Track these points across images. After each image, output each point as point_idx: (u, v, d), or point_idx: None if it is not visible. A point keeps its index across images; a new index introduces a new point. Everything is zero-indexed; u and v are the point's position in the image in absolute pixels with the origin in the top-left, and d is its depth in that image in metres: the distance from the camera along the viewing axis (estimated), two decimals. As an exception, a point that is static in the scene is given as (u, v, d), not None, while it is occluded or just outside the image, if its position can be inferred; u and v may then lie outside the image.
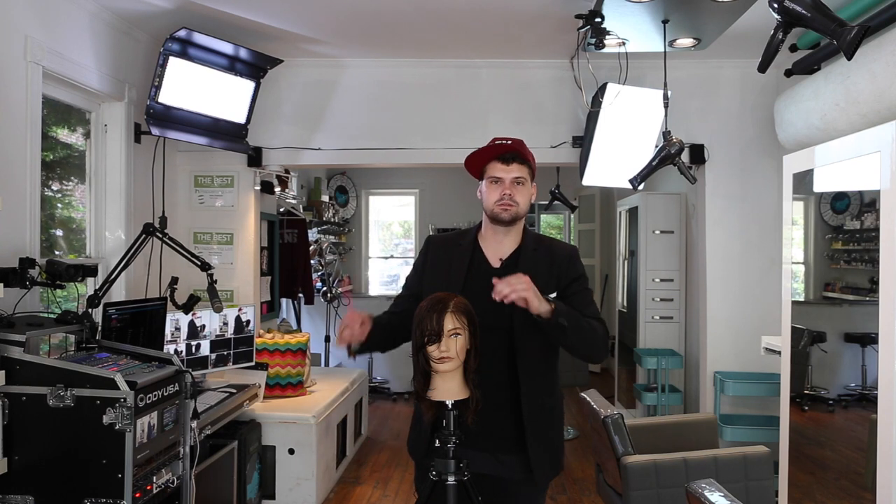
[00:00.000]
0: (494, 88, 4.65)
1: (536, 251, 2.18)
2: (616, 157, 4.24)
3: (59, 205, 3.70)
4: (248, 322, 4.16)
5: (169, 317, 3.57)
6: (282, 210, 5.60)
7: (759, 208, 4.56)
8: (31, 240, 3.02)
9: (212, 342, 3.97)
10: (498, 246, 2.18)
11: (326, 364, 6.81)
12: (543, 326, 1.93)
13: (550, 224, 11.85)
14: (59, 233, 3.68)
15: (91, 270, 2.97)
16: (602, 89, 4.14)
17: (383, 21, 3.88)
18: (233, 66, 4.09)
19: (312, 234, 6.94)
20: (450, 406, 1.91)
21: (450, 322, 1.87)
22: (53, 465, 2.38)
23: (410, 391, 6.98)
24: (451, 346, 1.86)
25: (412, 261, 10.20)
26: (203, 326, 3.93)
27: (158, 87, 3.75)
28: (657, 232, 5.42)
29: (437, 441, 1.93)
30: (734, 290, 4.59)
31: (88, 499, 2.36)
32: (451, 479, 1.91)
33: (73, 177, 3.78)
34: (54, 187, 3.65)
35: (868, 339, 2.82)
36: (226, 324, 4.04)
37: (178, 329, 3.80)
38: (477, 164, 2.21)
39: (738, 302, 4.58)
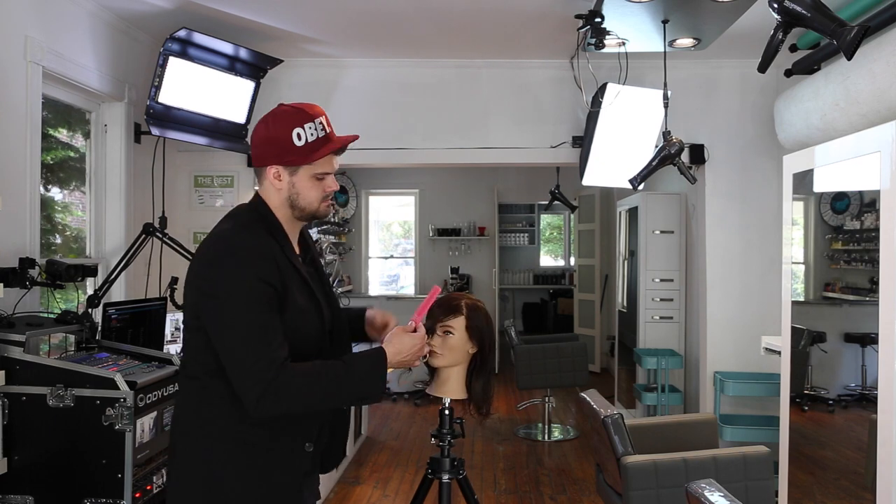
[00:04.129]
0: (494, 88, 4.65)
1: None
2: (616, 157, 4.24)
3: (58, 207, 3.70)
4: (248, 322, 4.15)
5: (169, 317, 3.57)
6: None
7: (759, 208, 4.56)
8: (31, 240, 3.02)
9: (212, 342, 3.97)
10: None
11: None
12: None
13: (550, 224, 11.86)
14: (58, 240, 3.68)
15: (91, 270, 2.98)
16: (602, 89, 4.14)
17: (383, 21, 3.88)
18: (233, 66, 4.09)
19: (312, 234, 6.94)
20: (446, 405, 1.92)
21: (447, 319, 1.88)
22: (53, 465, 2.38)
23: (410, 391, 6.99)
24: (439, 342, 1.87)
25: (412, 261, 10.26)
26: (203, 326, 3.92)
27: (158, 87, 3.75)
28: (657, 232, 5.42)
29: (433, 439, 1.95)
30: (734, 290, 4.59)
31: (88, 499, 2.36)
32: (445, 478, 1.92)
33: (74, 181, 3.77)
34: (55, 191, 3.65)
35: (868, 339, 2.82)
36: (226, 324, 4.04)
37: (178, 329, 3.80)
38: (310, 150, 1.66)
39: (738, 302, 4.58)
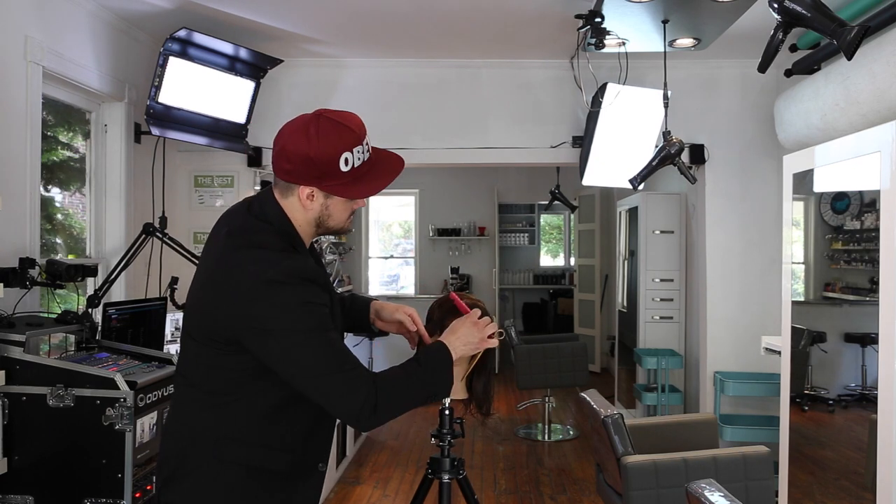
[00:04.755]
0: (494, 88, 4.65)
1: None
2: (616, 157, 4.24)
3: (58, 209, 3.70)
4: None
5: (169, 317, 3.57)
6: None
7: (759, 208, 4.56)
8: (31, 240, 3.02)
9: (212, 342, 3.96)
10: None
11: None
12: None
13: (550, 224, 11.86)
14: (59, 241, 3.68)
15: (91, 270, 2.98)
16: (602, 89, 4.14)
17: (383, 21, 3.88)
18: (233, 66, 4.09)
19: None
20: (446, 405, 1.92)
21: (447, 321, 1.88)
22: (53, 465, 2.38)
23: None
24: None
25: (412, 261, 10.24)
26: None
27: (158, 87, 3.75)
28: (657, 232, 5.42)
29: (433, 439, 1.94)
30: (734, 290, 4.59)
31: (88, 499, 2.36)
32: (445, 478, 1.92)
33: (74, 182, 3.77)
34: (55, 191, 3.65)
35: (868, 339, 2.82)
36: (226, 324, 4.03)
37: (178, 329, 3.80)
38: (355, 178, 1.54)
39: (738, 302, 4.58)
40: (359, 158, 1.52)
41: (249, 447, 1.53)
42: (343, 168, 1.50)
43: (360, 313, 1.89)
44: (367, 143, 1.54)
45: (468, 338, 1.67)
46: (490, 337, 1.72)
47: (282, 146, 1.53)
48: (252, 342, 1.46)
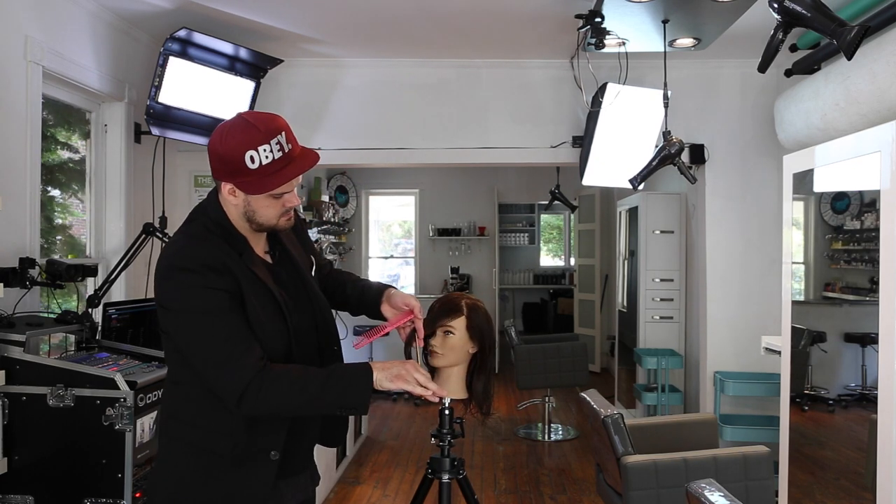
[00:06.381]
0: (494, 88, 4.65)
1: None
2: (616, 157, 4.25)
3: (58, 209, 3.70)
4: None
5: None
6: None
7: (759, 208, 4.57)
8: (31, 240, 3.02)
9: (212, 342, 3.96)
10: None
11: (326, 364, 6.79)
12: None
13: (550, 224, 11.85)
14: (59, 239, 3.68)
15: (91, 270, 2.98)
16: (602, 89, 4.14)
17: (383, 21, 3.88)
18: (233, 66, 4.09)
19: (312, 234, 6.94)
20: (446, 405, 1.92)
21: (447, 319, 1.88)
22: (53, 465, 2.38)
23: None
24: (440, 342, 1.87)
25: (412, 261, 10.25)
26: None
27: (158, 87, 3.75)
28: (657, 232, 5.42)
29: (433, 439, 1.94)
30: (734, 290, 4.59)
31: (88, 499, 2.36)
32: (445, 478, 1.92)
33: (74, 183, 3.77)
34: (55, 192, 3.65)
35: (868, 339, 2.82)
36: (226, 324, 4.03)
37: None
38: (264, 175, 1.56)
39: (738, 302, 4.58)
40: (267, 157, 1.54)
41: (192, 427, 1.63)
42: (250, 165, 1.54)
43: (375, 297, 1.92)
44: (278, 143, 1.55)
45: (392, 372, 1.62)
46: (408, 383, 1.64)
47: (208, 145, 1.62)
48: (162, 321, 1.61)
